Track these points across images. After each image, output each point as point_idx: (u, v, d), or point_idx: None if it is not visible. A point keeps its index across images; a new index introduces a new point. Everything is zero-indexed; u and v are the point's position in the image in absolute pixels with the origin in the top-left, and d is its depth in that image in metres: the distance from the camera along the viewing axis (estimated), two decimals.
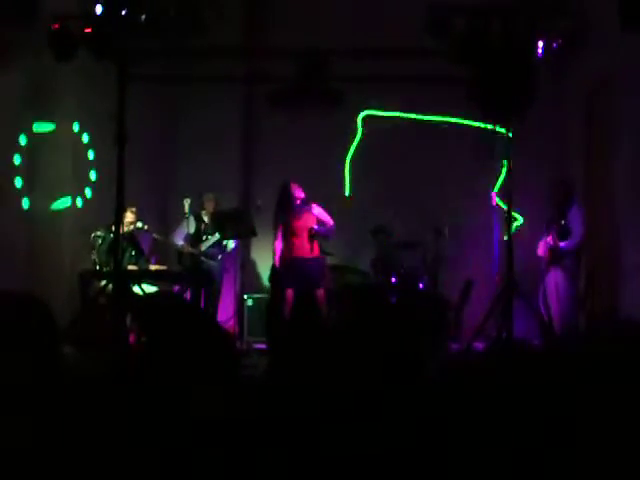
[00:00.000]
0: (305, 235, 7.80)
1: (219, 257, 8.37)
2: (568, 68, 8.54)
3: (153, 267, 8.10)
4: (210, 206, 8.38)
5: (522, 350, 2.24)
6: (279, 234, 7.86)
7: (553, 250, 7.45)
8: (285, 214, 7.80)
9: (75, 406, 2.03)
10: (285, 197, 7.80)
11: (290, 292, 7.77)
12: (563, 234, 7.38)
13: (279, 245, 7.88)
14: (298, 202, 7.80)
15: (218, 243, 8.31)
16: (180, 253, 8.36)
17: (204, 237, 8.26)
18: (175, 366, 2.16)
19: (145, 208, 8.18)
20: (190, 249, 8.22)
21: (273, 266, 8.11)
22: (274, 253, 7.96)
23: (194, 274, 8.13)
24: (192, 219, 8.27)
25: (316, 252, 7.94)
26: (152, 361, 2.22)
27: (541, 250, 7.61)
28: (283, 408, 2.02)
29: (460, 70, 6.65)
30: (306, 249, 7.82)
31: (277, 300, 7.97)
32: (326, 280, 8.00)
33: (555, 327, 7.13)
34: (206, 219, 8.35)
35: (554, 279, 7.48)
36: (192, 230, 8.25)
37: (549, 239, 7.43)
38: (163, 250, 8.80)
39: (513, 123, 6.62)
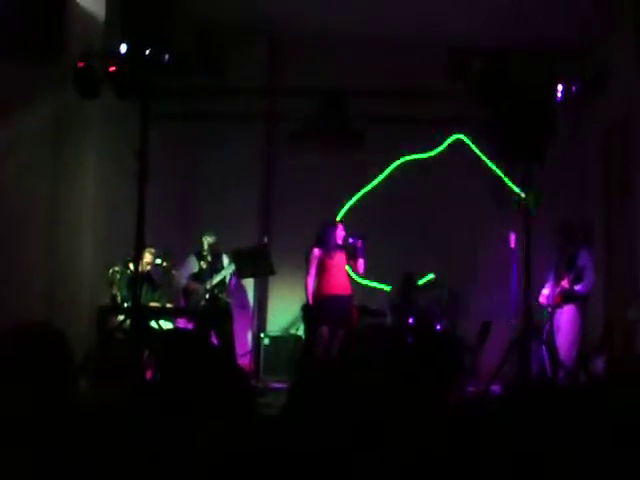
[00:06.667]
0: (340, 273, 7.89)
1: (224, 293, 8.38)
2: (586, 109, 8.55)
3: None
4: (213, 243, 8.40)
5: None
6: (312, 270, 7.90)
7: (566, 293, 7.29)
8: (324, 251, 7.88)
9: (89, 440, 2.02)
10: (328, 236, 7.90)
11: (325, 330, 7.81)
12: (577, 279, 7.25)
13: (311, 281, 7.91)
14: (340, 242, 7.94)
15: (222, 280, 8.33)
16: (185, 291, 8.38)
17: (212, 274, 8.26)
18: (189, 402, 2.15)
19: (163, 245, 8.21)
20: (195, 286, 8.27)
21: (306, 304, 8.07)
22: (306, 289, 7.95)
23: (209, 311, 8.15)
24: (193, 257, 8.37)
25: (350, 290, 8.00)
26: (167, 397, 2.22)
27: (544, 298, 7.43)
28: (299, 444, 2.01)
29: (479, 112, 6.68)
30: (342, 286, 7.90)
31: (312, 338, 7.98)
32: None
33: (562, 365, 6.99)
34: (209, 257, 8.38)
35: (566, 316, 7.32)
36: (195, 269, 8.32)
37: (564, 283, 7.24)
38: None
39: (532, 165, 6.60)
